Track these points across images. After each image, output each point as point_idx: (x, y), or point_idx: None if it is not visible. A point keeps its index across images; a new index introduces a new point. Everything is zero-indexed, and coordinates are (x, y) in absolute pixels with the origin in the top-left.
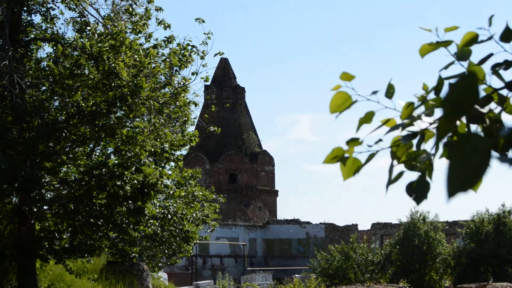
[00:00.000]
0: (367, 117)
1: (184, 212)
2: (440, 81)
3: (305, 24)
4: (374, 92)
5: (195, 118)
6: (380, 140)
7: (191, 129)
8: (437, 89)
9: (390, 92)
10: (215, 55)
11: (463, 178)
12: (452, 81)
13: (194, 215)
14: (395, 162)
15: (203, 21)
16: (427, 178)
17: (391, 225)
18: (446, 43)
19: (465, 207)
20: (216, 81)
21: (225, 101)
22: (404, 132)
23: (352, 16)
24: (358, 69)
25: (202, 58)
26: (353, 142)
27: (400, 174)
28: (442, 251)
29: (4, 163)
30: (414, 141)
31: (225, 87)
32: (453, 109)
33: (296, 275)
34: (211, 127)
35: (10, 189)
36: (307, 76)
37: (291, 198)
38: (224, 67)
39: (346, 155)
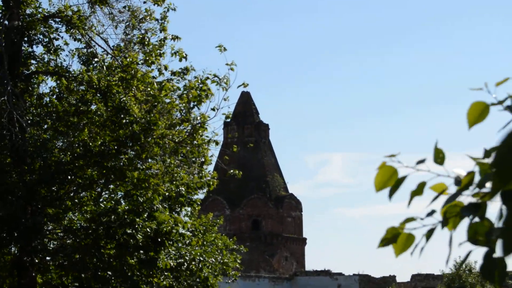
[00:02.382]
0: (419, 189)
1: (202, 258)
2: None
3: (335, 54)
4: (421, 161)
5: (211, 156)
6: (434, 211)
7: (209, 169)
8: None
9: (439, 157)
10: (239, 86)
11: None
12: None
13: (214, 260)
14: (454, 233)
15: (225, 49)
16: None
17: (433, 276)
18: (501, 102)
19: None
20: (237, 118)
21: (247, 139)
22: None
23: (395, 53)
24: (398, 108)
25: (225, 89)
26: (408, 221)
27: (469, 253)
28: None
29: (3, 210)
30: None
31: (247, 123)
32: (500, 179)
33: None
34: (231, 171)
35: (9, 238)
36: (338, 111)
37: (321, 247)
38: (245, 101)
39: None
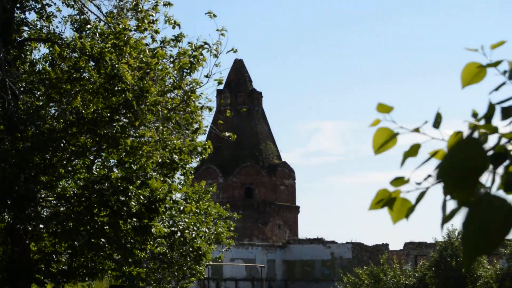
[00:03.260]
0: (413, 150)
1: (196, 228)
2: (491, 106)
3: (329, 24)
4: (419, 127)
5: (207, 126)
6: (430, 175)
7: (202, 138)
8: (488, 115)
9: (437, 122)
10: (228, 51)
11: (480, 245)
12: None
13: (207, 230)
14: (447, 197)
15: (215, 16)
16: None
17: (425, 244)
18: (495, 64)
19: None
20: (230, 85)
21: (240, 107)
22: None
23: (386, 24)
24: (389, 77)
25: (215, 56)
26: (398, 181)
27: (455, 211)
28: (483, 274)
29: None
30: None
31: (240, 91)
32: (453, 184)
33: None
34: (226, 133)
35: (2, 206)
36: (330, 80)
37: (314, 215)
38: (238, 69)
39: (393, 196)
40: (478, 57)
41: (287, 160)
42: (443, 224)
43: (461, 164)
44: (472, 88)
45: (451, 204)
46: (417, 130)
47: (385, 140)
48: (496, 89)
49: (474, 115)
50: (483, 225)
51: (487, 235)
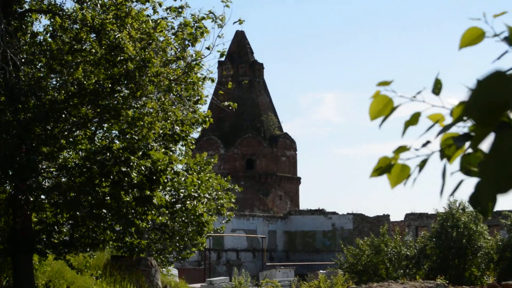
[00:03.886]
0: (413, 119)
1: (197, 194)
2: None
3: None
4: (419, 93)
5: (207, 96)
6: (429, 142)
7: (204, 109)
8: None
9: (437, 88)
10: (234, 23)
11: (497, 186)
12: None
13: (208, 196)
14: (447, 164)
15: None
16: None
17: (426, 215)
18: (496, 35)
19: (510, 196)
20: (232, 57)
21: (242, 78)
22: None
23: None
24: (391, 49)
25: (220, 26)
26: (401, 149)
27: (459, 184)
28: (484, 245)
29: None
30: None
31: (241, 63)
32: (481, 116)
33: (321, 271)
34: (226, 103)
35: (4, 176)
36: (332, 51)
37: (315, 186)
38: (240, 41)
39: (393, 163)
40: (480, 24)
41: (289, 131)
42: (443, 189)
43: (489, 97)
44: (471, 54)
45: (454, 175)
46: (415, 97)
47: (382, 107)
48: (499, 58)
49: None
50: (505, 162)
51: (507, 172)
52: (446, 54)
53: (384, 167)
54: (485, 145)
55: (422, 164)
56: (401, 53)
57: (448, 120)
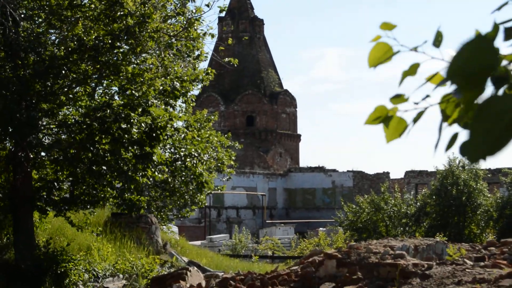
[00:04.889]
0: (412, 69)
1: (197, 154)
2: (495, 26)
3: None
4: (421, 44)
5: (207, 53)
6: (428, 96)
7: (203, 65)
8: (491, 35)
9: (438, 40)
10: None
11: (486, 145)
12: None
13: (207, 156)
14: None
15: None
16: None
17: (426, 173)
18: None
19: (510, 154)
20: (232, 13)
21: (242, 34)
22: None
23: None
24: (397, 8)
25: None
26: (398, 98)
27: (455, 137)
28: (483, 202)
29: None
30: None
31: (241, 19)
32: (463, 83)
33: (321, 229)
34: (227, 59)
35: (4, 133)
36: (333, 5)
37: (316, 143)
38: None
39: (390, 114)
40: None
41: (289, 88)
42: (437, 145)
43: (471, 62)
44: (475, 8)
45: (451, 129)
46: (415, 49)
47: (382, 54)
48: (498, 8)
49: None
50: (491, 126)
51: (495, 135)
52: (449, 7)
53: (382, 118)
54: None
55: (417, 117)
56: (404, 5)
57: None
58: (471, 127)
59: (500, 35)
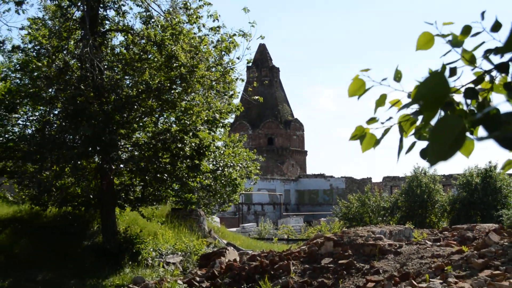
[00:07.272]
0: (381, 99)
1: (232, 164)
2: (443, 66)
3: (328, 13)
4: (384, 79)
5: (239, 92)
6: (391, 117)
7: (236, 101)
8: (442, 72)
9: (397, 76)
10: (258, 38)
11: (442, 152)
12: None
13: (240, 165)
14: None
15: (249, 11)
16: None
17: (398, 178)
18: (444, 36)
19: (459, 163)
20: (256, 63)
21: (264, 79)
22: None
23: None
24: (374, 54)
25: (248, 40)
26: (372, 121)
27: (413, 145)
28: (439, 199)
29: (89, 131)
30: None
31: (263, 67)
32: (425, 106)
33: (322, 219)
34: (255, 97)
35: (94, 151)
36: (330, 55)
37: (318, 157)
38: (262, 51)
39: (365, 132)
40: (432, 30)
41: (298, 117)
42: (399, 154)
43: (430, 91)
44: (425, 56)
45: (407, 140)
46: (381, 83)
47: (357, 88)
48: (444, 54)
49: (430, 72)
50: (444, 137)
51: (448, 144)
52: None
53: (359, 135)
54: (432, 123)
55: (385, 133)
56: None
57: (406, 100)
58: (430, 138)
59: (447, 72)
